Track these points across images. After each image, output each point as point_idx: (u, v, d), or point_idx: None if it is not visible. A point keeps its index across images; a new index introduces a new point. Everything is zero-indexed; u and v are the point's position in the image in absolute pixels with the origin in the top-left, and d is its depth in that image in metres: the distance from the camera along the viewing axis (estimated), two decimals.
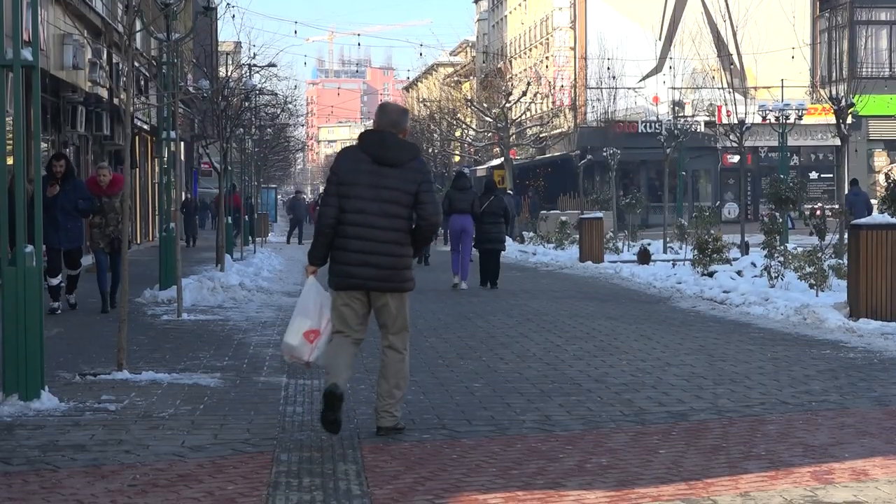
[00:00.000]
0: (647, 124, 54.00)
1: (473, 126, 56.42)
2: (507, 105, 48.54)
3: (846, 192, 29.60)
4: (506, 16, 76.36)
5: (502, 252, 21.47)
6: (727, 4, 53.44)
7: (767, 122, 33.84)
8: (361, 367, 10.81)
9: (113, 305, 15.25)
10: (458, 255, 20.63)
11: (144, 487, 6.29)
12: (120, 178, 15.69)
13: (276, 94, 39.41)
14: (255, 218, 43.23)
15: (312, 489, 6.24)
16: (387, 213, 7.52)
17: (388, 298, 7.60)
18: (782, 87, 42.32)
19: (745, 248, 26.34)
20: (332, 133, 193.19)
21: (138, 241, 36.53)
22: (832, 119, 24.25)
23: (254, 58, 32.10)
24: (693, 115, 48.31)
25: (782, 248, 20.18)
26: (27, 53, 8.88)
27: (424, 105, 67.63)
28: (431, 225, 7.69)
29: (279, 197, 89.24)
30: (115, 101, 26.67)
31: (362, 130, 8.38)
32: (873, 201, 31.47)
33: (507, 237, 23.61)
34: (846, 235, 17.52)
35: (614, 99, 52.79)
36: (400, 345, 7.67)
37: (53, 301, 15.19)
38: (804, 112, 34.38)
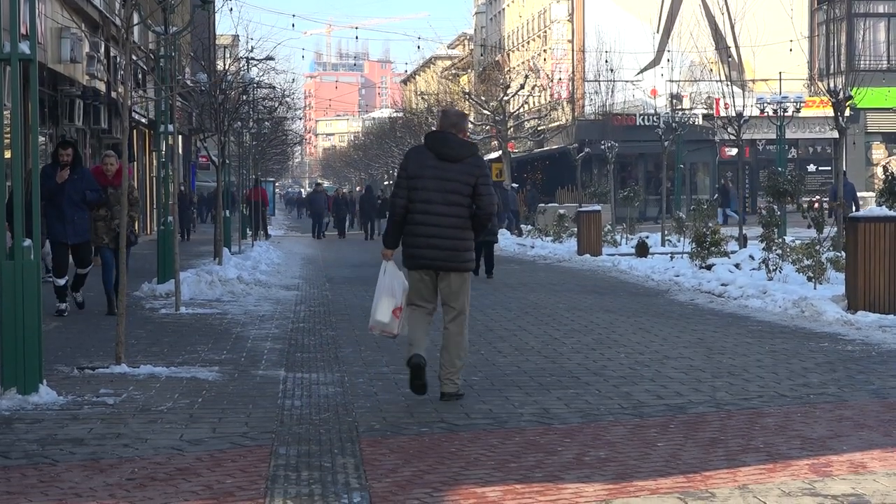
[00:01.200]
0: (645, 117, 54.03)
1: (471, 119, 56.34)
2: (505, 98, 48.48)
3: (833, 183, 29.84)
4: (503, 9, 76.33)
5: (495, 244, 22.39)
6: None
7: (765, 114, 33.82)
8: (360, 362, 10.82)
9: (110, 309, 14.52)
10: None
11: (143, 481, 6.29)
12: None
13: (273, 88, 39.34)
14: (258, 211, 43.20)
15: (311, 482, 6.24)
16: (449, 202, 8.63)
17: (451, 277, 8.75)
18: (780, 79, 42.33)
19: (743, 240, 26.34)
20: (330, 126, 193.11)
21: (148, 232, 36.52)
22: (830, 112, 24.22)
23: (251, 51, 32.04)
24: (691, 108, 48.33)
25: (780, 240, 20.19)
26: (25, 47, 8.87)
27: (422, 98, 67.56)
28: (487, 214, 8.74)
29: (277, 190, 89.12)
30: (113, 94, 26.69)
31: (427, 132, 9.59)
32: (871, 194, 31.53)
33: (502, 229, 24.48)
34: (844, 228, 17.52)
35: (612, 92, 52.82)
36: (460, 321, 8.79)
37: (60, 302, 14.43)
38: (802, 105, 34.39)
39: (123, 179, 12.16)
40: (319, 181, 61.56)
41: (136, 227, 14.14)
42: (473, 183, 8.66)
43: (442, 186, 8.63)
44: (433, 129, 9.23)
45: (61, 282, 14.40)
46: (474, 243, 8.95)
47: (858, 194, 46.43)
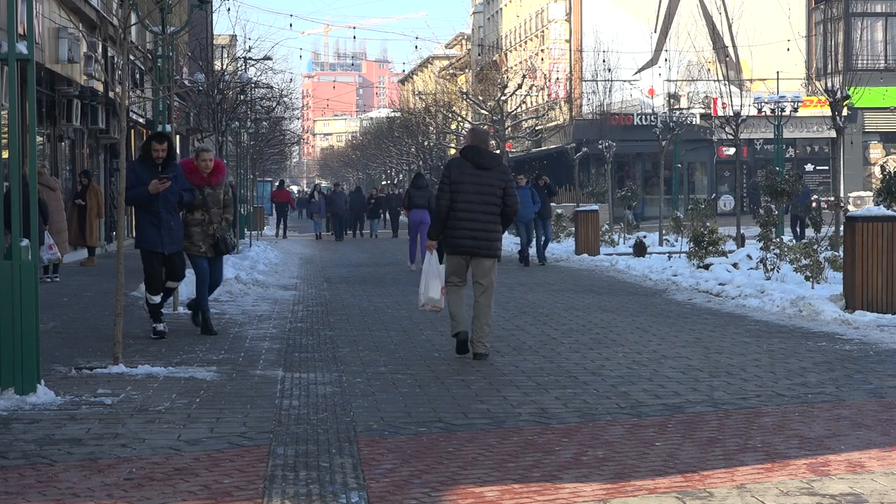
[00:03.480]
0: (643, 117, 54.02)
1: (469, 119, 56.30)
2: (503, 98, 48.44)
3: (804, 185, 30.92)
4: (501, 8, 76.33)
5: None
6: None
7: (763, 114, 33.89)
8: (358, 362, 10.82)
9: (206, 328, 12.72)
10: (415, 244, 23.98)
11: (141, 481, 6.29)
12: (223, 165, 13.28)
13: (271, 88, 39.36)
14: (251, 211, 43.24)
15: (309, 482, 6.24)
16: (485, 202, 10.82)
17: (484, 261, 10.91)
18: (778, 79, 42.33)
19: (740, 240, 26.36)
20: (327, 126, 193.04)
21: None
22: (828, 111, 24.23)
23: (249, 51, 32.07)
24: (689, 108, 48.29)
25: (778, 240, 20.20)
26: (22, 47, 8.87)
27: (420, 98, 67.58)
28: (513, 210, 10.96)
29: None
30: (111, 94, 26.69)
31: (462, 147, 11.27)
32: (869, 193, 31.71)
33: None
34: (842, 227, 17.54)
35: (610, 91, 52.71)
36: (489, 295, 10.89)
37: (156, 321, 12.31)
38: (800, 104, 34.44)
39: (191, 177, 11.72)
40: (337, 182, 59.81)
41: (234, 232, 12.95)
42: (503, 186, 10.88)
43: (479, 189, 10.77)
44: (467, 144, 11.20)
45: (156, 299, 12.31)
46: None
47: (856, 193, 46.59)
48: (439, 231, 10.96)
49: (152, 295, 12.27)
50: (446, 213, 10.83)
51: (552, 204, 28.88)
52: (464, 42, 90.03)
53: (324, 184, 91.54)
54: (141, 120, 34.99)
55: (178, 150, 43.81)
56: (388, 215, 51.79)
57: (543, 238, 25.94)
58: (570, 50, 58.85)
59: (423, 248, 23.46)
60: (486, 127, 40.97)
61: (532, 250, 26.00)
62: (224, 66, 28.40)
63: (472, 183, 10.78)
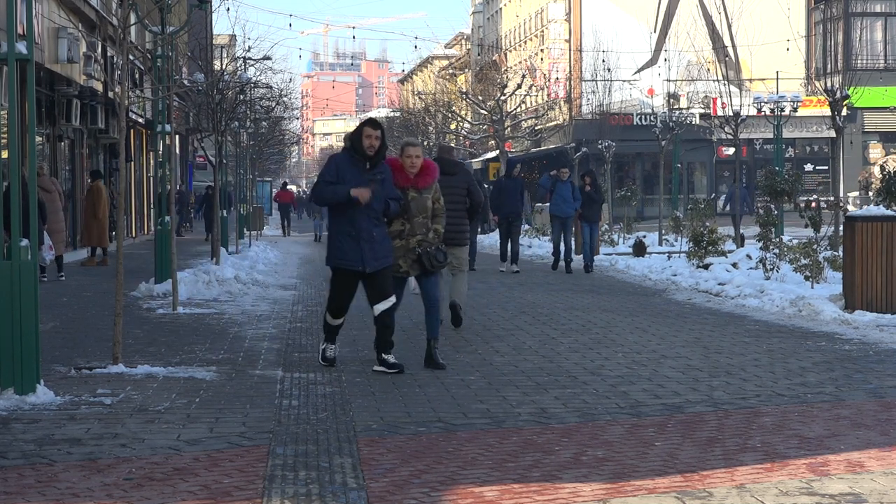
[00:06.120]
0: (643, 117, 54.06)
1: (469, 119, 56.35)
2: (503, 97, 48.49)
3: (731, 187, 31.59)
4: (500, 8, 76.34)
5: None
6: None
7: (763, 114, 33.87)
8: (357, 361, 10.81)
9: (432, 360, 10.33)
10: None
11: (140, 481, 6.28)
12: (433, 165, 10.77)
13: (271, 88, 39.34)
14: (251, 211, 43.26)
15: (308, 482, 6.24)
16: (452, 201, 12.29)
17: (455, 248, 12.77)
18: (777, 79, 42.32)
19: (740, 240, 26.36)
20: (327, 126, 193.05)
21: (145, 232, 36.49)
22: (827, 111, 24.26)
23: (248, 51, 32.03)
24: (688, 108, 48.33)
25: (777, 240, 20.20)
26: (22, 47, 8.87)
27: (419, 98, 67.56)
28: (477, 202, 13.13)
29: (273, 189, 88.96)
30: (110, 94, 26.69)
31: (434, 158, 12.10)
32: (868, 193, 31.81)
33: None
34: (841, 227, 17.53)
35: (609, 91, 52.78)
36: (464, 273, 13.35)
37: (329, 340, 10.41)
38: (799, 104, 34.44)
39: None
40: None
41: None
42: (466, 186, 12.99)
43: (447, 191, 11.58)
44: (435, 157, 12.55)
45: (338, 321, 10.35)
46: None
47: (855, 193, 46.61)
48: None
49: (335, 318, 10.28)
50: None
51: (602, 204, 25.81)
52: (463, 42, 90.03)
53: None
54: (140, 120, 35.01)
55: (177, 150, 43.87)
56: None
57: (590, 244, 23.51)
58: (570, 50, 58.87)
59: None
60: (449, 143, 41.13)
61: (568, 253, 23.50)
62: (223, 66, 28.35)
63: (442, 186, 11.18)
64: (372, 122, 10.22)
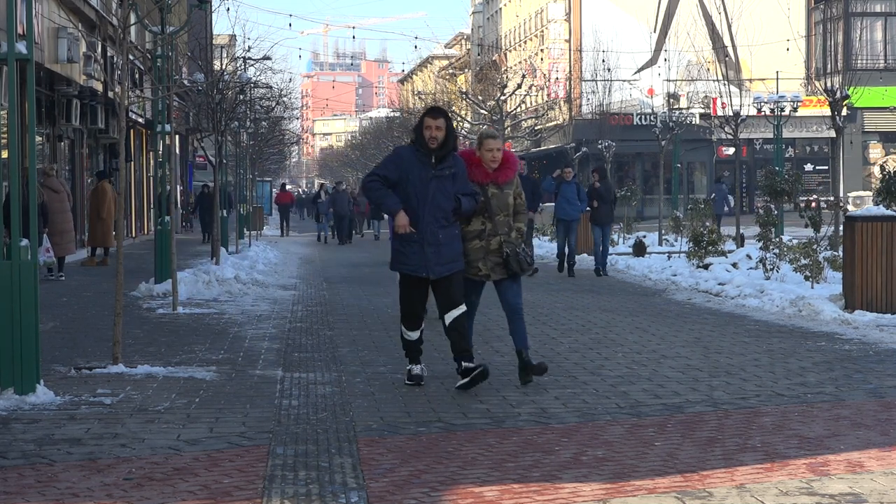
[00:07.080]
0: (643, 116, 54.08)
1: (469, 119, 56.37)
2: (503, 97, 48.48)
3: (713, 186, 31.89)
4: (500, 8, 76.36)
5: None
6: None
7: (762, 114, 33.90)
8: (357, 361, 10.82)
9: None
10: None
11: (140, 481, 6.28)
12: (514, 158, 9.84)
13: (270, 88, 39.34)
14: (251, 211, 43.27)
15: (308, 482, 6.24)
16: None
17: None
18: (777, 79, 42.36)
19: (740, 240, 26.37)
20: (327, 126, 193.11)
21: (144, 232, 36.49)
22: (827, 111, 24.27)
23: (248, 51, 32.05)
24: (688, 108, 48.34)
25: (777, 240, 20.20)
26: (22, 47, 8.87)
27: (419, 98, 67.57)
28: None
29: (274, 190, 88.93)
30: (110, 94, 26.68)
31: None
32: (868, 193, 31.83)
33: None
34: (841, 227, 17.54)
35: (609, 91, 52.83)
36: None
37: (413, 362, 9.44)
38: (799, 104, 34.48)
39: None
40: (339, 180, 57.44)
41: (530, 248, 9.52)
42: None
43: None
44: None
45: (414, 335, 9.42)
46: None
47: (855, 193, 46.59)
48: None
49: (409, 330, 9.42)
50: None
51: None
52: (463, 42, 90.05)
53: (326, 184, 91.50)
54: (140, 120, 35.00)
55: (177, 150, 43.86)
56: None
57: (602, 247, 22.54)
58: (570, 50, 58.90)
59: None
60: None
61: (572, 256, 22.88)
62: (223, 66, 28.35)
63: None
64: (433, 111, 9.33)
